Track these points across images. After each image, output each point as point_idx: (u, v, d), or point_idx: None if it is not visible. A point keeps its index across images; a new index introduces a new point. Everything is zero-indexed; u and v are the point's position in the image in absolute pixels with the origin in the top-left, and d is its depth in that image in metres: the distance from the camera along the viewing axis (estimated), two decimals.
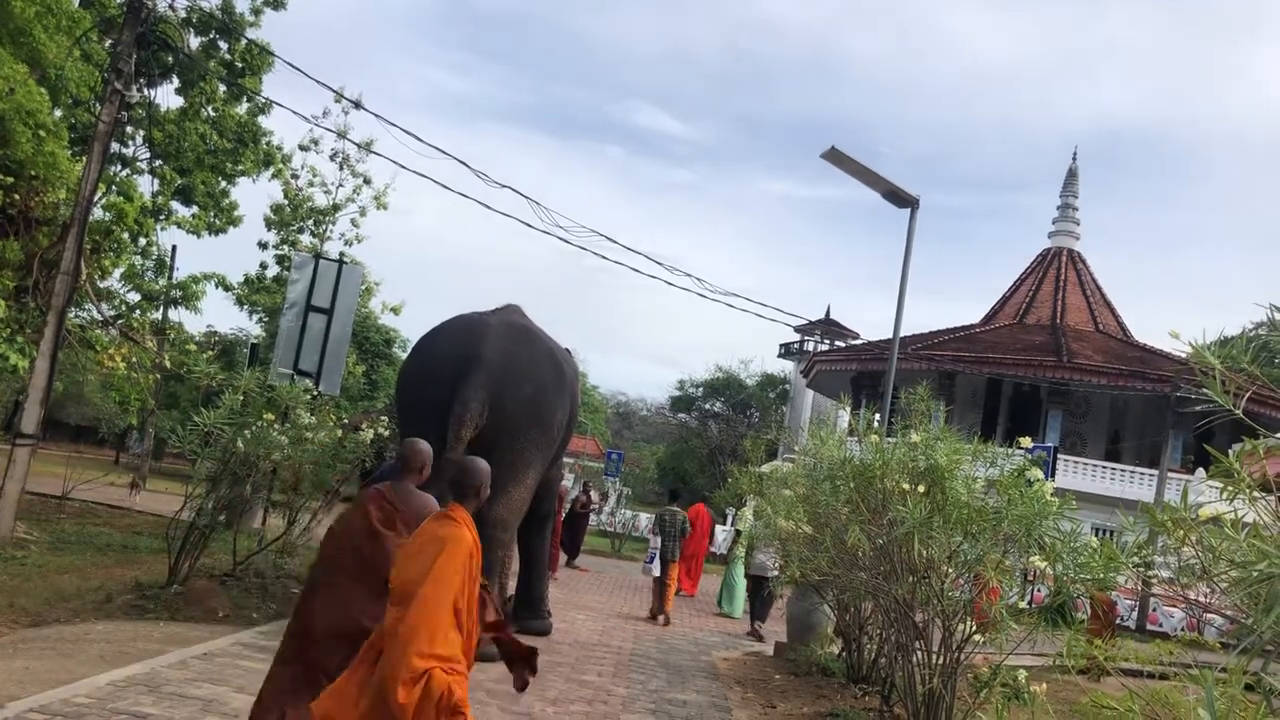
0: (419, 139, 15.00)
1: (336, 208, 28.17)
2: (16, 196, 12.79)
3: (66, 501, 17.44)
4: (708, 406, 60.29)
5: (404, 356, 37.57)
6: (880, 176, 11.76)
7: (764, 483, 11.14)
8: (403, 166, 24.21)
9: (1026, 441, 6.99)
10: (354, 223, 28.84)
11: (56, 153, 13.25)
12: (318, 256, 14.17)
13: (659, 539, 14.40)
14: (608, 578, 19.28)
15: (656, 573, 14.00)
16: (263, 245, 29.13)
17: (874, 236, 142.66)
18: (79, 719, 5.18)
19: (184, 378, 19.81)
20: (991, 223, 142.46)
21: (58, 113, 15.42)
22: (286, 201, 27.78)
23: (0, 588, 10.17)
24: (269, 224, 28.69)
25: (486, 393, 8.21)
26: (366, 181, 28.52)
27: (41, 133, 12.84)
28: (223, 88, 23.03)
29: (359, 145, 24.54)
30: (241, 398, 9.68)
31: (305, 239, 28.95)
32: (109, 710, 5.40)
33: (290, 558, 12.08)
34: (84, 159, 15.19)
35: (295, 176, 27.74)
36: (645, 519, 29.59)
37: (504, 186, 15.74)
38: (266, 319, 31.78)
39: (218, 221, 24.71)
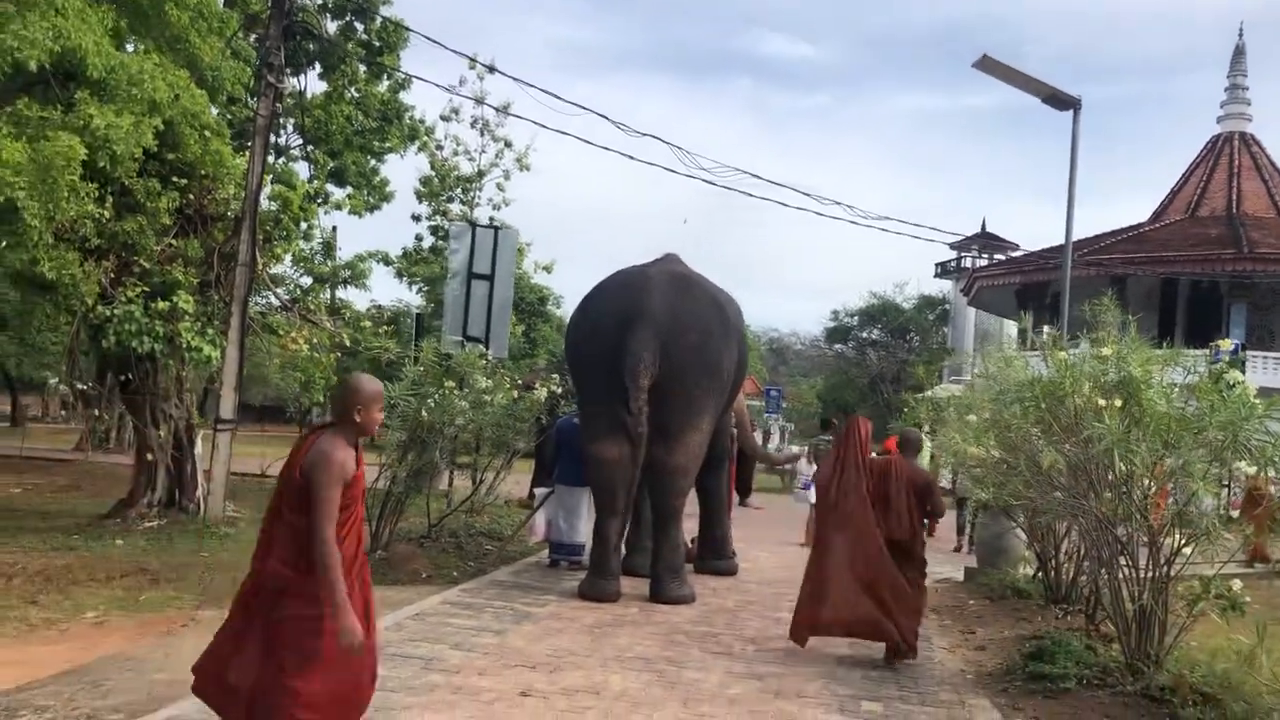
0: (558, 97, 15.12)
1: (482, 174, 28.75)
2: (191, 196, 13.46)
3: (265, 479, 18.53)
4: (864, 335, 59.22)
5: (558, 314, 38.37)
6: (1039, 81, 11.24)
7: (942, 410, 10.91)
8: (543, 126, 24.44)
9: (1226, 344, 6.65)
10: (499, 187, 29.41)
11: (222, 150, 13.86)
12: (473, 225, 14.53)
13: (813, 468, 14.41)
14: (781, 514, 19.34)
15: (812, 500, 14.04)
16: (415, 218, 30.05)
17: (1024, 142, 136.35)
18: None
19: (356, 353, 20.75)
20: (1151, 113, 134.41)
21: (214, 111, 16.16)
22: (434, 173, 28.52)
23: (223, 564, 10.93)
24: (419, 196, 29.53)
25: (656, 344, 8.31)
26: (508, 145, 29.00)
27: (206, 133, 13.46)
28: (363, 68, 23.73)
29: (497, 109, 24.78)
30: (421, 368, 10.05)
31: (455, 208, 29.69)
32: None
33: (478, 516, 12.56)
34: (246, 154, 15.93)
35: (440, 148, 28.41)
36: None
37: (645, 135, 15.78)
38: (426, 288, 32.83)
39: (371, 199, 25.60)
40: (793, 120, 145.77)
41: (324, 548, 3.48)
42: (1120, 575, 6.56)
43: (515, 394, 10.54)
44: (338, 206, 24.21)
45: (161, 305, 12.37)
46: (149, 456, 13.42)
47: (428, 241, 31.30)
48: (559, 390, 11.17)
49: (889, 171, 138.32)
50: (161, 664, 5.96)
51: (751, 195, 32.43)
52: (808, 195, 16.47)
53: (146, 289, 12.59)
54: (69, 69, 11.32)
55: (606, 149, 20.70)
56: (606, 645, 6.96)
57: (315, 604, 3.61)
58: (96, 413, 20.23)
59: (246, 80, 16.72)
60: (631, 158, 20.44)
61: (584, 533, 10.26)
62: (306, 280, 14.77)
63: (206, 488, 14.19)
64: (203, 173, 13.49)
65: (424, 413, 9.69)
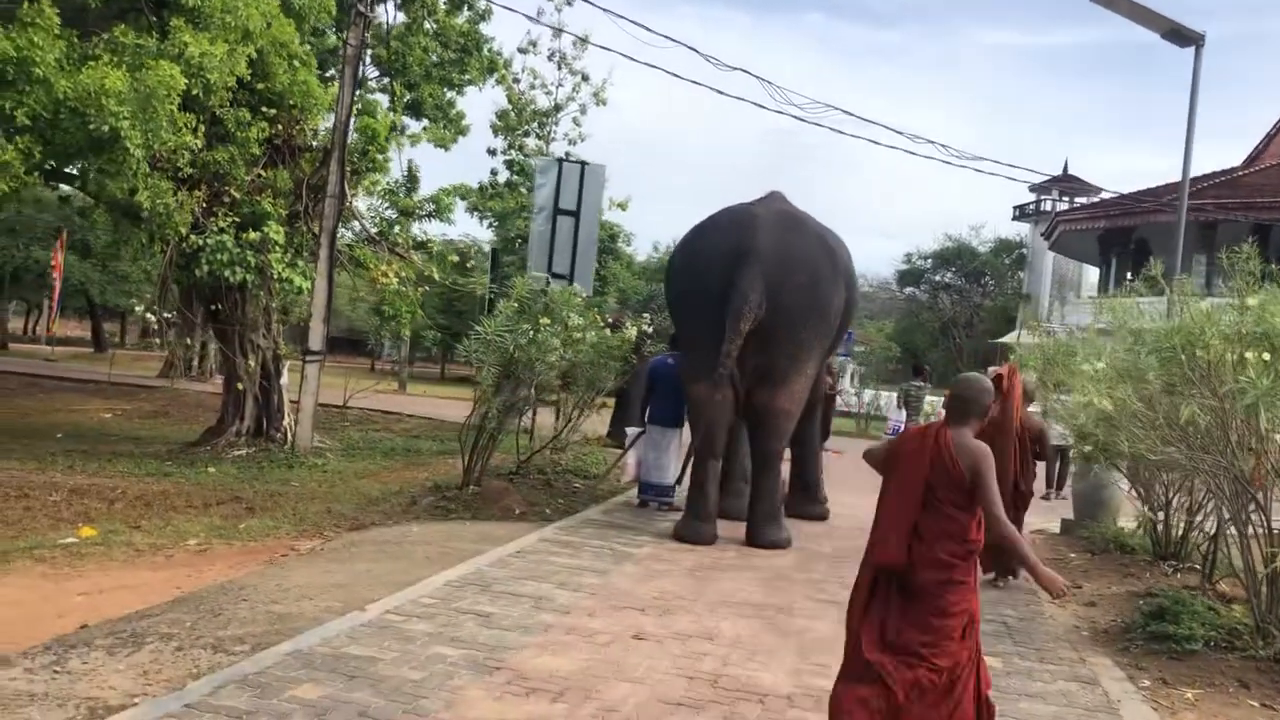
0: (647, 29, 14.79)
1: (558, 108, 28.48)
2: (279, 127, 13.43)
3: (348, 410, 18.73)
4: (937, 278, 58.10)
5: (628, 251, 38.06)
6: (1159, 14, 10.67)
7: (1052, 359, 10.53)
8: (631, 59, 24.02)
9: None
10: (575, 122, 29.14)
11: (309, 81, 13.79)
12: (560, 160, 14.31)
13: (904, 413, 14.18)
14: (859, 459, 19.09)
15: None
16: (491, 152, 29.88)
17: (1107, 80, 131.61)
18: (431, 618, 5.50)
19: (446, 289, 20.76)
20: (1246, 55, 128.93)
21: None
22: (511, 107, 28.28)
23: (314, 495, 11.04)
24: (495, 130, 29.34)
25: (763, 284, 8.08)
26: (585, 79, 28.66)
27: (295, 63, 13.38)
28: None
29: (578, 37, 24.46)
30: (516, 304, 9.95)
31: (531, 142, 29.49)
32: (454, 610, 5.72)
33: (562, 454, 12.53)
34: (332, 85, 15.82)
35: (516, 81, 28.15)
36: (887, 397, 29.02)
37: (735, 69, 15.39)
38: (496, 224, 32.77)
39: (448, 133, 25.44)
40: (864, 57, 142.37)
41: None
42: (1251, 534, 6.29)
43: (609, 333, 10.39)
44: (413, 140, 24.11)
45: (252, 236, 12.40)
46: (240, 386, 13.56)
47: (503, 176, 31.20)
48: (649, 329, 11.00)
49: (964, 111, 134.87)
50: (274, 594, 5.98)
51: (842, 132, 31.64)
52: (899, 133, 15.87)
53: (237, 219, 12.63)
54: None
55: (697, 83, 20.26)
56: (710, 589, 6.87)
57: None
58: (188, 341, 20.55)
59: (330, 10, 16.58)
60: (721, 92, 20.42)
61: (673, 473, 10.18)
62: (391, 214, 14.69)
63: (293, 418, 14.35)
64: (291, 103, 13.42)
65: (517, 349, 9.60)
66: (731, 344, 8.07)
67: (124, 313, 43.08)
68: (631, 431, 10.53)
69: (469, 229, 63.54)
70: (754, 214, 8.64)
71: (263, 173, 13.31)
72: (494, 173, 31.25)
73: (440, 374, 46.92)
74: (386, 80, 23.47)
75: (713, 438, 8.56)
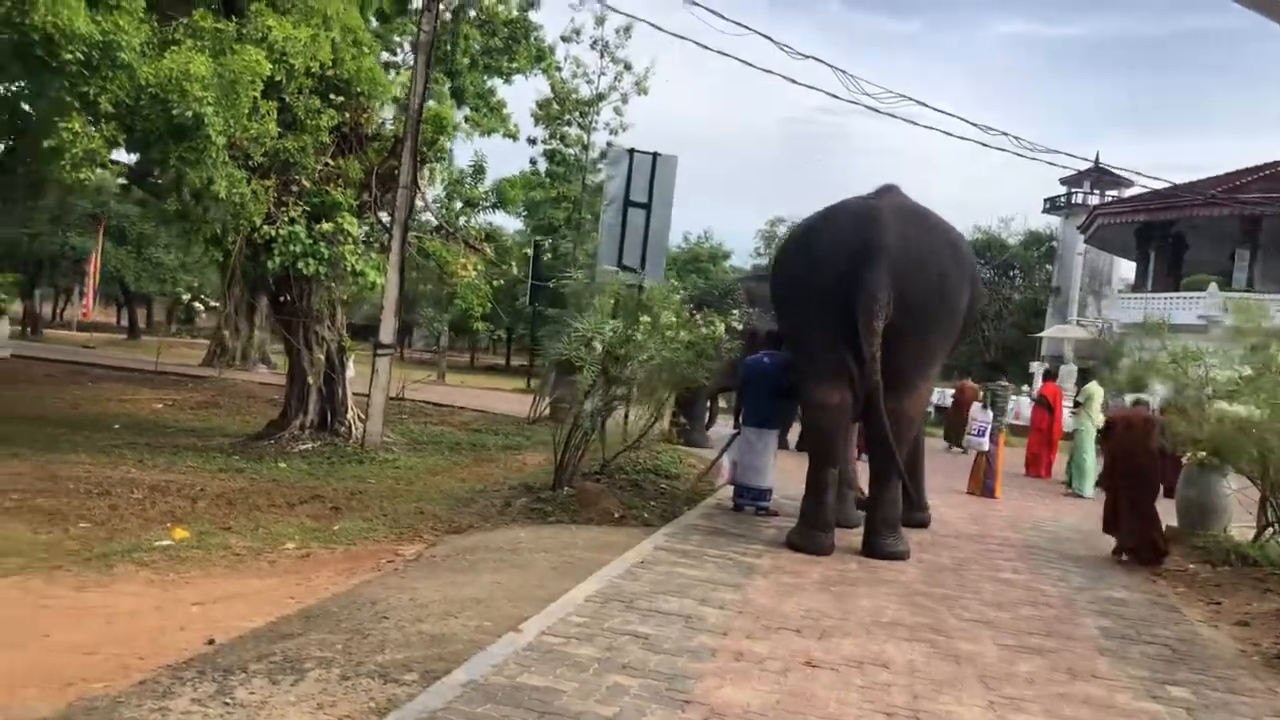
0: (720, 15, 14.42)
1: (601, 97, 28.07)
2: (347, 115, 13.11)
3: (402, 402, 18.46)
4: None
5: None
6: None
7: (1154, 362, 10.16)
8: (704, 46, 23.62)
9: None
10: (617, 111, 28.71)
11: (374, 69, 13.48)
12: (632, 151, 13.92)
13: (989, 413, 13.83)
14: (933, 460, 18.71)
15: (986, 447, 13.52)
16: (531, 141, 29.50)
17: (1133, 72, 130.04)
18: (590, 640, 5.20)
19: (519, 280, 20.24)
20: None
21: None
22: (554, 96, 27.90)
23: (396, 493, 10.77)
24: (536, 119, 28.97)
25: (890, 282, 7.71)
26: (627, 67, 28.22)
27: (365, 49, 13.06)
28: None
29: (631, 15, 24.02)
30: (611, 300, 9.63)
31: (572, 131, 29.12)
32: (609, 631, 5.41)
33: (639, 452, 12.20)
34: (397, 71, 15.52)
35: (558, 69, 27.74)
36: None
37: (809, 57, 15.04)
38: (526, 213, 32.47)
39: (489, 122, 25.08)
40: (880, 47, 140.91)
41: None
42: None
43: (704, 330, 10.05)
44: (454, 129, 23.76)
45: (325, 227, 12.10)
46: (309, 380, 13.28)
47: (542, 166, 30.86)
48: (739, 326, 10.64)
49: (984, 103, 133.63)
50: (413, 610, 5.67)
51: (916, 124, 30.91)
52: (974, 125, 15.45)
53: (307, 210, 12.33)
54: None
55: (769, 71, 19.89)
56: (853, 606, 6.55)
57: None
58: (237, 330, 20.33)
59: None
60: (794, 81, 19.70)
61: (770, 478, 9.85)
62: (457, 204, 14.39)
63: (356, 411, 14.09)
64: (358, 90, 13.10)
65: (613, 346, 9.28)
66: (872, 346, 7.71)
67: (151, 299, 42.89)
68: (727, 434, 10.19)
69: (493, 217, 63.08)
70: (876, 208, 8.26)
71: (330, 161, 13.00)
72: (533, 162, 30.96)
73: (470, 363, 46.79)
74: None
75: (831, 444, 8.22)
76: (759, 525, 9.32)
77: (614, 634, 5.35)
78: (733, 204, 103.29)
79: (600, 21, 27.09)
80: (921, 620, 6.36)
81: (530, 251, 23.29)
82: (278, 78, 10.28)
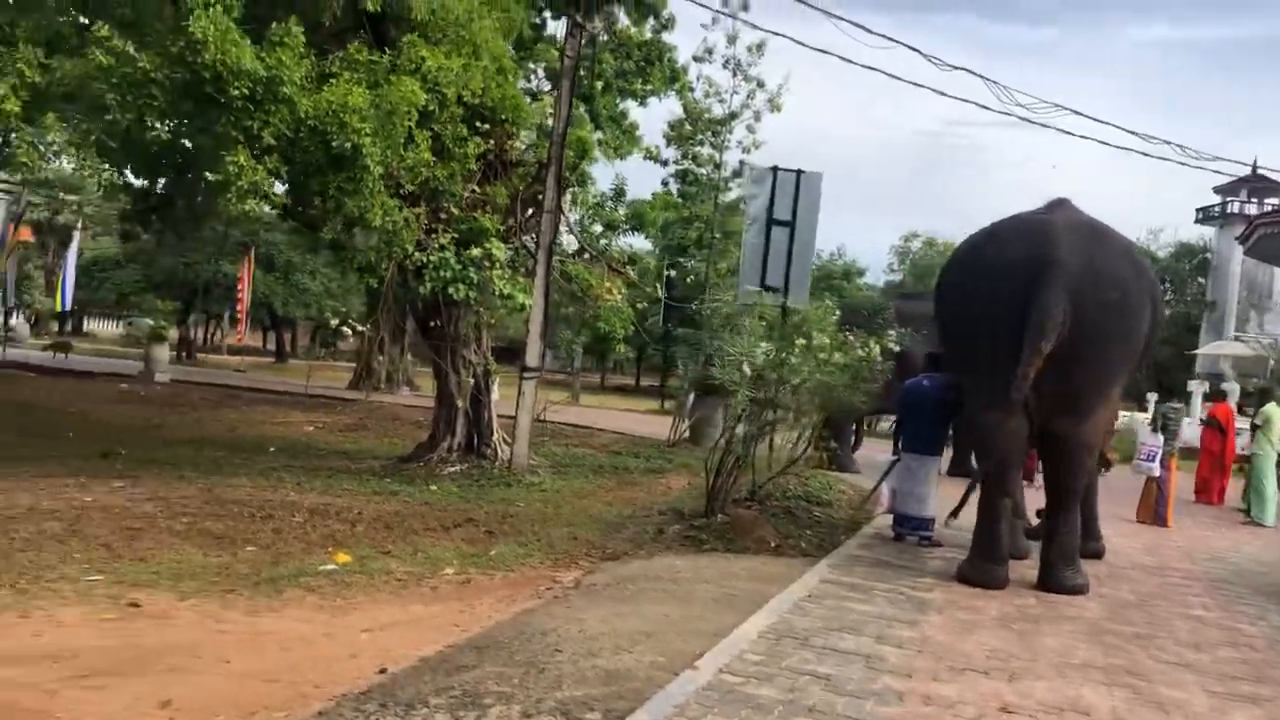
0: (867, 29, 14.16)
1: (734, 115, 27.91)
2: (492, 142, 13.26)
3: (544, 424, 18.56)
4: None
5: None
6: None
7: None
8: (849, 61, 23.37)
9: None
10: (749, 129, 28.52)
11: (517, 96, 13.63)
12: (775, 169, 13.72)
13: (1159, 437, 13.10)
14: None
15: (1156, 473, 12.80)
16: (663, 162, 29.55)
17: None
18: (770, 680, 4.99)
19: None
20: None
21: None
22: (686, 116, 27.90)
23: (546, 517, 10.76)
24: (668, 140, 29.02)
25: (1067, 301, 7.31)
26: (760, 85, 28.01)
27: (510, 76, 13.21)
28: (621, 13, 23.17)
29: (775, 33, 23.85)
30: (765, 322, 9.44)
31: (704, 151, 29.05)
32: (787, 670, 5.20)
33: (791, 479, 11.93)
34: (538, 98, 15.69)
35: (690, 89, 27.72)
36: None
37: (957, 69, 14.65)
38: (655, 234, 32.53)
39: (624, 145, 25.21)
40: (1014, 56, 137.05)
41: None
42: None
43: (860, 352, 9.75)
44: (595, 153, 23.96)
45: (474, 252, 12.24)
46: (458, 403, 13.44)
47: (674, 187, 30.88)
48: (895, 347, 10.31)
49: (1124, 112, 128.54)
50: (584, 643, 5.57)
51: (1070, 134, 29.91)
52: (1133, 134, 14.79)
53: (455, 236, 12.50)
54: (395, 11, 11.18)
55: (917, 85, 19.45)
56: (1038, 645, 6.18)
57: None
58: (382, 356, 20.75)
59: (530, 22, 16.43)
60: (942, 93, 19.37)
61: (933, 506, 9.48)
62: (597, 227, 14.47)
63: (502, 434, 14.20)
64: (502, 117, 13.24)
65: (766, 370, 9.08)
66: (1029, 365, 7.32)
67: (295, 323, 44.43)
68: (886, 461, 9.86)
69: (629, 239, 63.67)
70: (1050, 222, 7.85)
71: (476, 188, 13.18)
72: (665, 183, 31.00)
73: (600, 383, 47.07)
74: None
75: (1004, 471, 7.83)
76: (923, 556, 8.96)
77: (793, 674, 5.14)
78: (866, 220, 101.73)
79: (732, 40, 26.99)
80: (1115, 662, 5.95)
81: (667, 273, 23.33)
82: (431, 107, 10.43)
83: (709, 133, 28.62)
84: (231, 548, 8.57)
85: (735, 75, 27.86)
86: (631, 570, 7.92)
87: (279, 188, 10.95)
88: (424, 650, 6.05)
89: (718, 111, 28.35)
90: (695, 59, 27.29)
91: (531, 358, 13.03)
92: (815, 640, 5.81)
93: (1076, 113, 14.63)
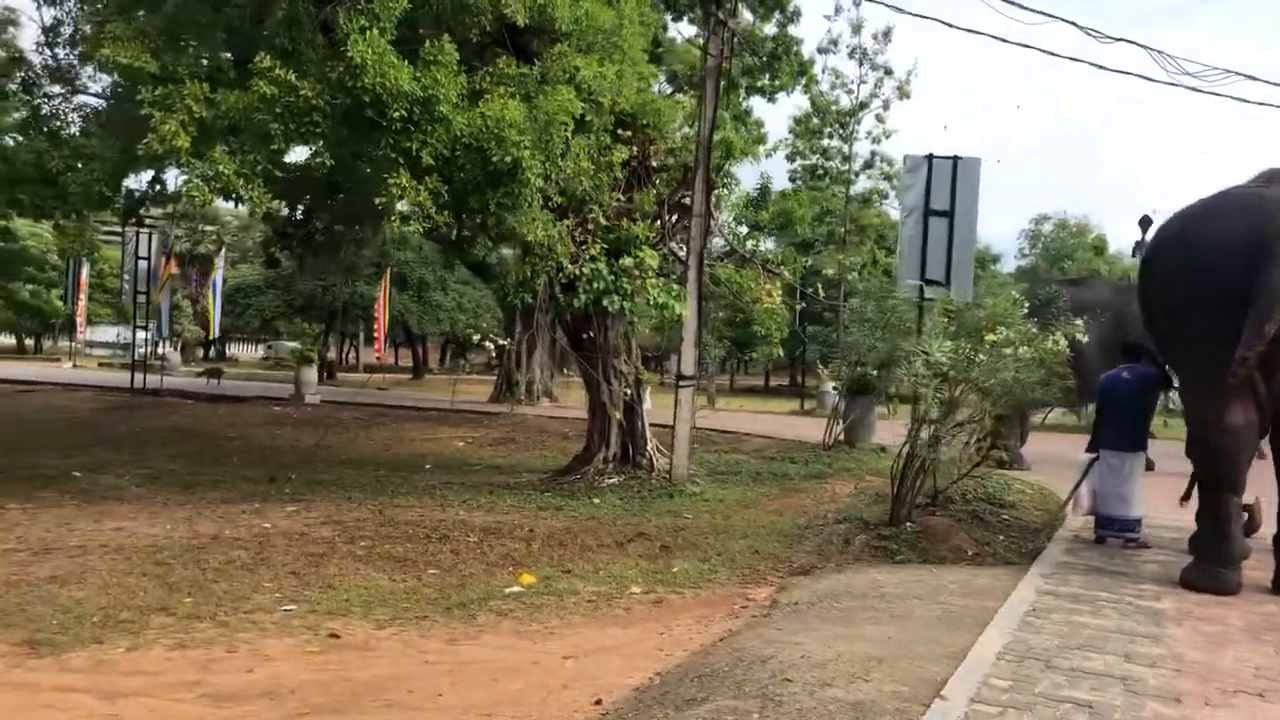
0: (1023, 6, 13.52)
1: (863, 105, 27.29)
2: (634, 148, 13.07)
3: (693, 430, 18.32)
4: None
5: None
6: None
7: None
8: (1003, 40, 22.63)
9: None
10: (879, 119, 27.86)
11: (657, 100, 13.42)
12: (930, 157, 13.19)
13: None
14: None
15: None
16: (790, 157, 29.07)
17: None
18: (1029, 709, 4.61)
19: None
20: None
21: None
22: (814, 110, 27.39)
23: (718, 529, 10.49)
24: (795, 135, 28.53)
25: None
26: (888, 73, 27.34)
27: (651, 81, 13.02)
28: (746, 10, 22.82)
29: (921, 15, 23.27)
30: (946, 319, 8.99)
31: (833, 144, 28.48)
32: (1042, 697, 4.81)
33: (969, 481, 11.40)
34: (677, 101, 15.47)
35: (816, 82, 27.20)
36: None
37: (1119, 40, 13.87)
38: (778, 230, 31.98)
39: (749, 140, 24.81)
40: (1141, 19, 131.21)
41: None
42: None
43: (1049, 345, 9.18)
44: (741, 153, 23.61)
45: (626, 262, 12.06)
46: (613, 414, 13.28)
47: (800, 184, 30.34)
48: (1084, 338, 9.70)
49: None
50: (814, 671, 5.24)
51: (1246, 101, 28.08)
52: None
53: (604, 246, 12.34)
54: (539, 24, 11.05)
55: (1074, 59, 18.72)
56: None
57: None
58: (543, 366, 20.86)
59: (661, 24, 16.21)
60: (1102, 67, 18.40)
61: (1140, 506, 8.87)
62: (743, 229, 14.20)
63: (655, 442, 14.01)
64: (643, 122, 13.04)
65: (957, 368, 8.62)
66: (1249, 349, 6.73)
67: (427, 339, 45.28)
68: (1084, 459, 9.29)
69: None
70: (1270, 197, 7.23)
71: (620, 196, 13.00)
72: (792, 179, 30.47)
73: (730, 385, 46.70)
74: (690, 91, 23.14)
75: (1235, 469, 7.23)
76: (1134, 560, 8.39)
77: (1050, 701, 4.74)
78: (992, 204, 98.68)
79: (857, 29, 26.40)
80: None
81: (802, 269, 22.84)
82: (588, 116, 10.28)
83: (836, 125, 28.07)
84: (414, 571, 8.53)
85: (862, 65, 27.31)
86: (829, 586, 7.57)
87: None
88: (633, 678, 5.85)
89: (845, 103, 27.82)
90: (820, 50, 26.84)
91: (688, 366, 12.78)
92: (1059, 661, 5.38)
93: (1249, 77, 13.65)
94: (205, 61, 10.37)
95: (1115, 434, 8.93)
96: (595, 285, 11.92)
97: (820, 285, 20.79)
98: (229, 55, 10.80)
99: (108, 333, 46.88)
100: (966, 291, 13.28)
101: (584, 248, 12.16)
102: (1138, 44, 13.58)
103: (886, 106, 27.55)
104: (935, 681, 4.99)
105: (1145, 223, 23.36)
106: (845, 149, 28.32)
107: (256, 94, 9.18)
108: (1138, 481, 8.83)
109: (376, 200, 9.53)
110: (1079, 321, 10.15)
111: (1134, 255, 25.35)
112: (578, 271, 11.93)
